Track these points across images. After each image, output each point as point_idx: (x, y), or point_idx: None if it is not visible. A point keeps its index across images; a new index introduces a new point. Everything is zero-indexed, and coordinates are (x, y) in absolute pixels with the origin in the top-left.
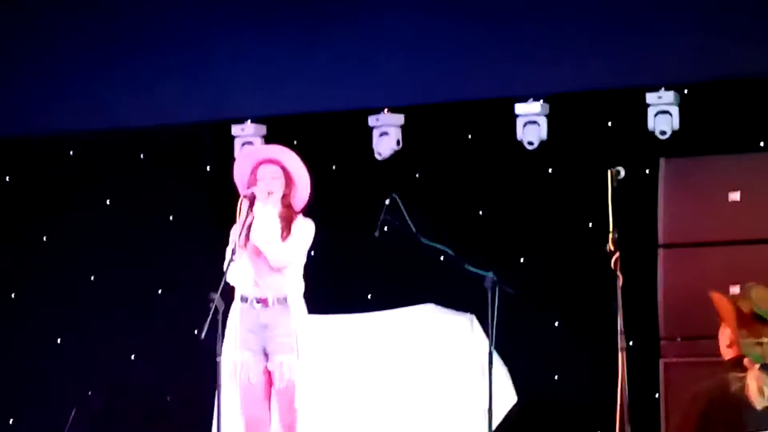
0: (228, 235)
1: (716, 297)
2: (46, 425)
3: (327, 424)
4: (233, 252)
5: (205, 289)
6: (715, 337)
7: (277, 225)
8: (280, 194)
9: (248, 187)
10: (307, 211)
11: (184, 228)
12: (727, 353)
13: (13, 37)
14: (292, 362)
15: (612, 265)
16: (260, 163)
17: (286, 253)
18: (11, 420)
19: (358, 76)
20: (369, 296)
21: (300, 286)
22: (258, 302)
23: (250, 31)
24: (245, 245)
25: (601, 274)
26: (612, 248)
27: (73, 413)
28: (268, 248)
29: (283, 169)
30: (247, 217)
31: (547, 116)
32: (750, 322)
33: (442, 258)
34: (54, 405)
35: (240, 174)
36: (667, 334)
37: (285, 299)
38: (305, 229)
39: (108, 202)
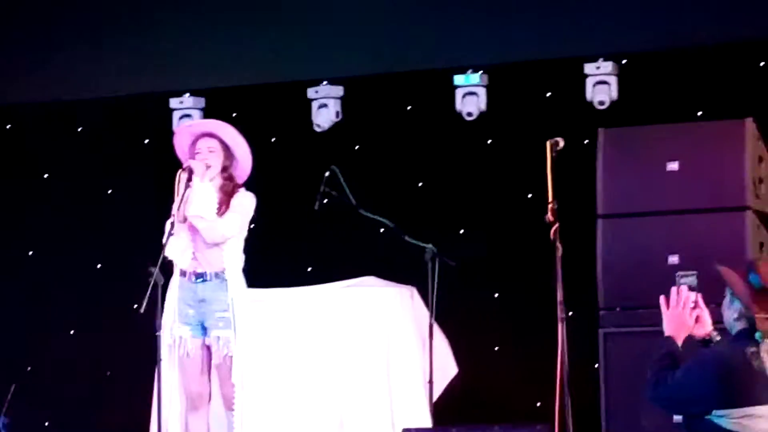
0: (167, 209)
1: (725, 270)
2: None
3: (267, 398)
4: (172, 226)
5: (145, 263)
6: (653, 307)
7: (214, 199)
8: (219, 168)
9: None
10: (247, 184)
11: (123, 201)
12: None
13: None
14: (229, 337)
15: (551, 235)
16: (198, 137)
17: (220, 229)
18: None
19: (297, 48)
20: (309, 269)
21: (239, 260)
22: (196, 276)
23: (189, 3)
24: (183, 219)
25: (541, 245)
26: (551, 219)
27: (12, 389)
28: (202, 223)
29: (221, 141)
30: (185, 191)
31: (486, 87)
32: (760, 296)
33: (382, 230)
34: None
35: (180, 148)
36: (606, 304)
37: (223, 273)
38: (245, 203)
39: (45, 175)
